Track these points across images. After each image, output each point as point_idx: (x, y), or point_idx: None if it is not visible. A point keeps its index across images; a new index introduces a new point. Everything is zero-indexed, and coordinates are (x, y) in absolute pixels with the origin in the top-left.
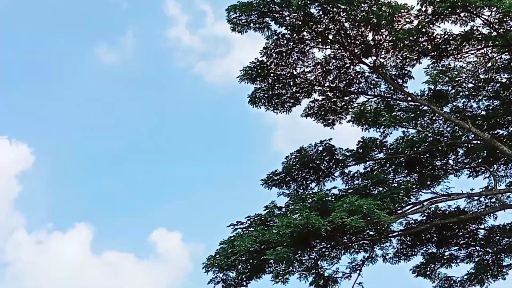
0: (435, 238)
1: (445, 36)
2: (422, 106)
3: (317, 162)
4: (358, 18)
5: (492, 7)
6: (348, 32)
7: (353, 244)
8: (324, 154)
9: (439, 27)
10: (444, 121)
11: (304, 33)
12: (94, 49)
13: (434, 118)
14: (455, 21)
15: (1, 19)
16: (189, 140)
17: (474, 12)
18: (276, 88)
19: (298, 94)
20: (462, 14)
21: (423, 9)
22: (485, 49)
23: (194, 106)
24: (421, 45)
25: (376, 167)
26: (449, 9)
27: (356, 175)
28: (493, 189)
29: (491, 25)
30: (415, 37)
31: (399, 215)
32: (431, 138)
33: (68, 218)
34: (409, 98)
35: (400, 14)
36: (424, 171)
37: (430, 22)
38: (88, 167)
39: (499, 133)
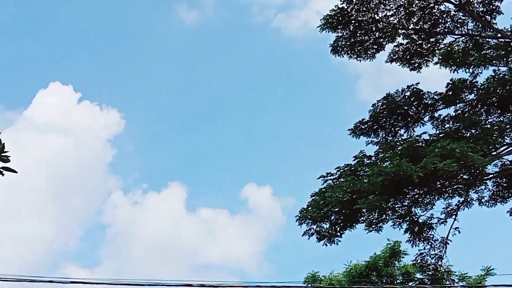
0: None
1: None
2: None
3: (405, 108)
4: None
5: None
6: None
7: (447, 189)
8: (412, 99)
9: None
10: None
11: None
12: (175, 9)
13: None
14: None
15: None
16: (272, 95)
17: None
18: (358, 35)
19: (381, 40)
20: None
21: None
22: None
23: (275, 60)
24: None
25: (467, 109)
26: None
27: (446, 118)
28: None
29: None
30: None
31: (494, 157)
32: None
33: (162, 178)
34: (499, 35)
35: None
36: None
37: None
38: (176, 126)
39: None
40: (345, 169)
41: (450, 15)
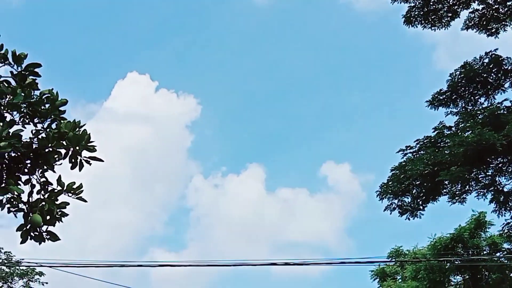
0: None
1: None
2: None
3: (484, 75)
4: None
5: None
6: None
7: None
8: (490, 66)
9: None
10: None
11: None
12: None
13: None
14: None
15: None
16: (347, 71)
17: None
18: (431, 3)
19: (456, 7)
20: None
21: None
22: None
23: (347, 36)
24: None
25: None
26: None
27: None
28: None
29: None
30: None
31: None
32: None
33: (240, 160)
34: None
35: None
36: None
37: None
38: (252, 109)
39: None
40: (425, 141)
41: None
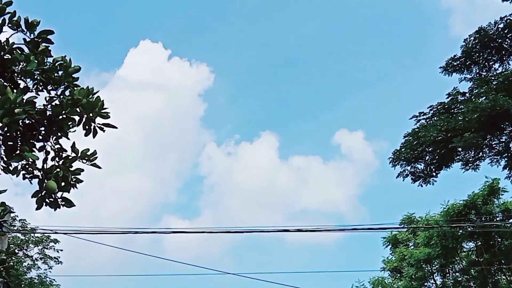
0: None
1: None
2: None
3: (499, 40)
4: None
5: None
6: None
7: None
8: (505, 32)
9: None
10: None
11: None
12: None
13: None
14: None
15: None
16: (360, 38)
17: None
18: None
19: None
20: None
21: None
22: None
23: (360, 1)
24: None
25: None
26: None
27: None
28: None
29: None
30: None
31: None
32: None
33: (253, 128)
34: None
35: None
36: None
37: None
38: (265, 77)
39: None
40: (438, 107)
41: None
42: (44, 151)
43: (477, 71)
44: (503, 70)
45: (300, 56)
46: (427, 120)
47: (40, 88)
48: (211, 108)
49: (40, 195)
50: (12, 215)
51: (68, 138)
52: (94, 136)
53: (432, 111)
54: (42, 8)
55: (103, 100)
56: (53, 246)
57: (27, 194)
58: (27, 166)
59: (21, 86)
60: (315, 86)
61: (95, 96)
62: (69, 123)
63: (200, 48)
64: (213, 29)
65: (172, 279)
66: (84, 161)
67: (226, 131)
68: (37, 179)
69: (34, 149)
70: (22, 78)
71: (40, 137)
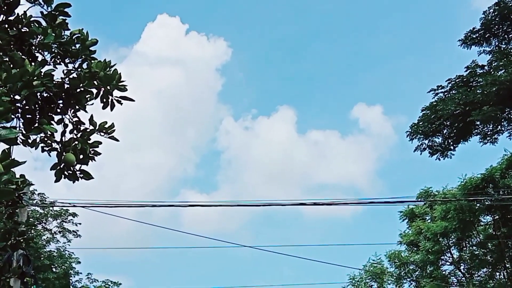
0: None
1: None
2: None
3: None
4: None
5: None
6: None
7: None
8: None
9: None
10: None
11: None
12: None
13: None
14: None
15: None
16: (379, 11)
17: None
18: None
19: None
20: None
21: None
22: None
23: None
24: None
25: None
26: None
27: None
28: None
29: None
30: None
31: None
32: None
33: (271, 102)
34: None
35: None
36: None
37: None
38: (283, 51)
39: None
40: (457, 80)
41: None
42: (62, 124)
43: (496, 43)
44: None
45: (319, 30)
46: (445, 93)
47: (58, 61)
48: (228, 82)
49: (58, 167)
50: (31, 188)
51: (86, 111)
52: (111, 109)
53: (450, 85)
54: None
55: (120, 73)
56: (71, 219)
57: (46, 168)
58: (45, 139)
59: (39, 59)
60: (333, 60)
61: (112, 69)
62: (86, 96)
63: (217, 23)
64: (230, 3)
65: (190, 252)
66: (102, 134)
67: (244, 105)
68: (55, 152)
69: (52, 122)
70: (40, 51)
71: (58, 110)
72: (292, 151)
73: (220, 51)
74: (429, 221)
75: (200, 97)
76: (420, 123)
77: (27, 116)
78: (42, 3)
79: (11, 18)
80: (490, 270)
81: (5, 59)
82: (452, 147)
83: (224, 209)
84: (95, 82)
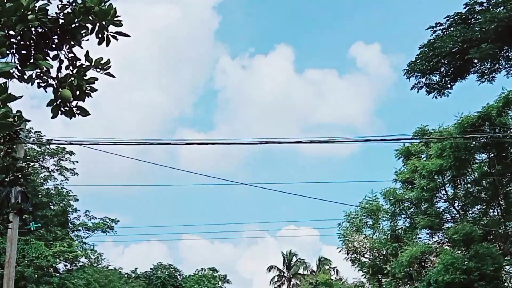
0: None
1: None
2: None
3: None
4: None
5: None
6: None
7: None
8: None
9: None
10: None
11: None
12: None
13: None
14: None
15: None
16: None
17: None
18: None
19: None
20: None
21: None
22: None
23: None
24: None
25: None
26: None
27: None
28: None
29: None
30: None
31: None
32: None
33: (268, 41)
34: None
35: None
36: None
37: None
38: None
39: None
40: (455, 18)
41: None
42: (58, 60)
43: None
44: None
45: None
46: (444, 31)
47: None
48: (225, 21)
49: (55, 104)
50: (27, 127)
51: (81, 47)
52: (107, 45)
53: (448, 22)
54: None
55: (115, 8)
56: (68, 157)
57: (43, 107)
58: (41, 75)
59: None
60: None
61: (107, 3)
62: (82, 32)
63: None
64: None
65: (187, 190)
66: (98, 70)
67: (241, 44)
68: (51, 88)
69: (48, 57)
70: None
71: (54, 46)
72: (290, 90)
73: None
74: (424, 159)
75: (196, 36)
76: (418, 61)
77: (22, 51)
78: None
79: None
80: (484, 207)
81: None
82: (449, 85)
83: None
84: (90, 17)
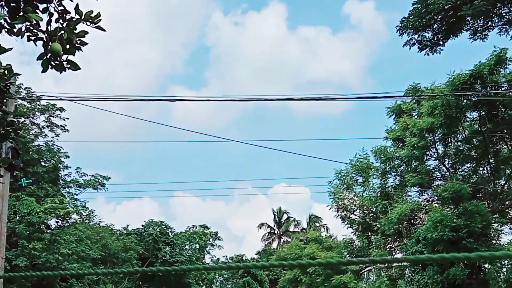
0: None
1: None
2: None
3: None
4: None
5: None
6: None
7: None
8: None
9: None
10: None
11: None
12: None
13: None
14: None
15: None
16: None
17: None
18: None
19: None
20: None
21: None
22: None
23: None
24: None
25: None
26: None
27: None
28: None
29: None
30: None
31: None
32: None
33: None
34: None
35: None
36: None
37: None
38: None
39: None
40: None
41: None
42: (48, 13)
43: None
44: None
45: None
46: None
47: None
48: None
49: (45, 57)
50: (17, 83)
51: (72, 0)
52: None
53: None
54: None
55: None
56: (59, 114)
57: (33, 63)
58: (31, 28)
59: None
60: None
61: None
62: None
63: None
64: None
65: (179, 147)
66: (88, 23)
67: (233, 0)
68: (41, 42)
69: (38, 10)
70: None
71: None
72: (283, 47)
73: None
74: (416, 117)
75: None
76: (411, 18)
77: (12, 4)
78: None
79: None
80: (474, 165)
81: None
82: (441, 42)
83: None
84: None
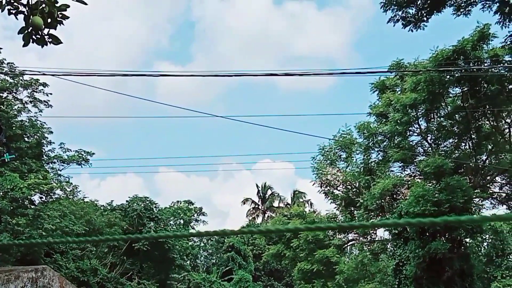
0: None
1: None
2: None
3: None
4: None
5: None
6: None
7: None
8: None
9: None
10: None
11: None
12: None
13: None
14: None
15: None
16: None
17: None
18: None
19: None
20: None
21: None
22: None
23: None
24: None
25: None
26: None
27: None
28: None
29: None
30: None
31: None
32: None
33: None
34: None
35: None
36: None
37: None
38: None
39: None
40: None
41: None
42: None
43: None
44: None
45: None
46: None
47: None
48: None
49: (26, 31)
50: (0, 58)
51: None
52: None
53: None
54: None
55: None
56: (42, 89)
57: (16, 37)
58: (12, 1)
59: None
60: None
61: None
62: None
63: None
64: None
65: (164, 122)
66: None
67: None
68: (22, 15)
69: None
70: None
71: None
72: (269, 22)
73: None
74: (399, 93)
75: None
76: None
77: None
78: None
79: None
80: (456, 141)
81: None
82: (425, 18)
83: (198, 80)
84: None
